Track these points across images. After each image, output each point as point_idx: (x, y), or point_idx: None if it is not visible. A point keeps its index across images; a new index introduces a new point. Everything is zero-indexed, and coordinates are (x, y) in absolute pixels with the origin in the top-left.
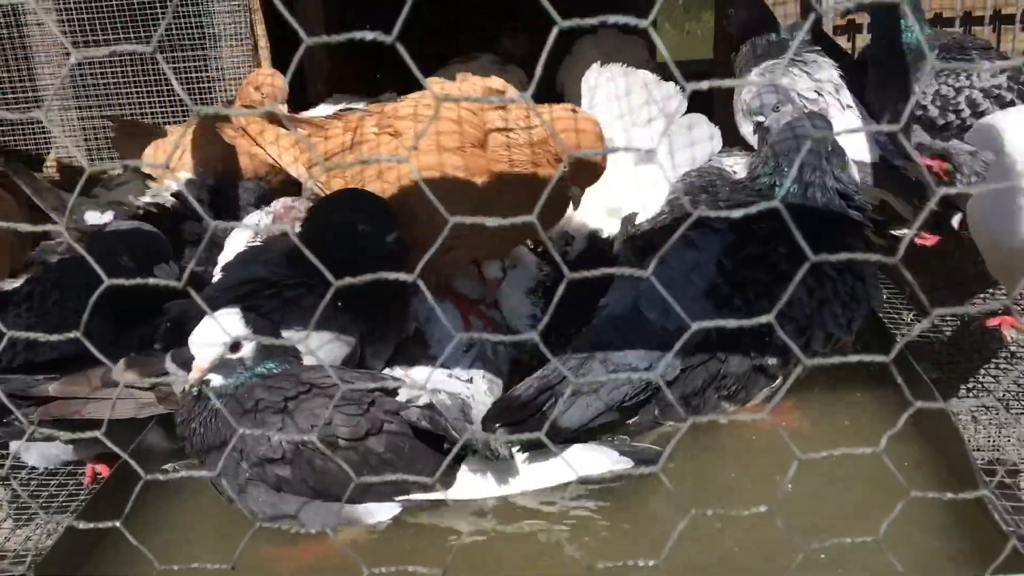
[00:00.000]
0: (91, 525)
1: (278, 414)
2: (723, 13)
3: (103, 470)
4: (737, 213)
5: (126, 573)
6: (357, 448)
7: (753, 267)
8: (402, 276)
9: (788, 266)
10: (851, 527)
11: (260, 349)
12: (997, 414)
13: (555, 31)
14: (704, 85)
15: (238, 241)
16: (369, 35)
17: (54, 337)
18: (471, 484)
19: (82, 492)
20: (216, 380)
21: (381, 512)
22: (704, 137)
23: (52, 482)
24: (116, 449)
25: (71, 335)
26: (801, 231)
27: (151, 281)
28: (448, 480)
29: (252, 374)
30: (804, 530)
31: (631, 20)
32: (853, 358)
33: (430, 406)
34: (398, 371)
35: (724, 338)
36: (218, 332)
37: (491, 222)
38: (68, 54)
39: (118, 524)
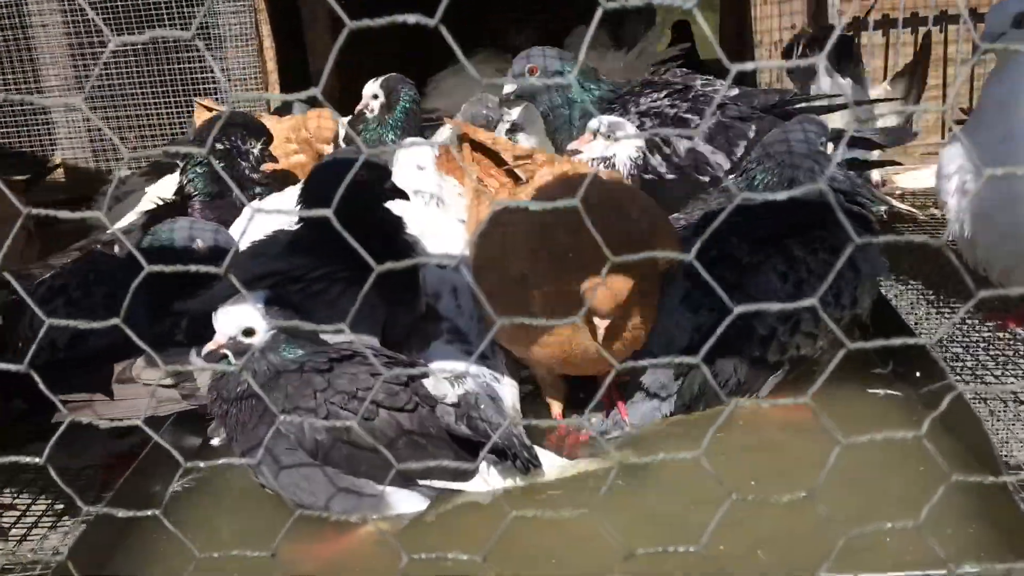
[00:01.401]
0: (130, 513)
1: (322, 375)
2: None
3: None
4: (783, 194)
5: (157, 568)
6: (391, 422)
7: (719, 267)
8: None
9: (752, 259)
10: (886, 515)
11: (277, 337)
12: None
13: (599, 12)
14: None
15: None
16: (411, 18)
17: (95, 324)
18: (495, 475)
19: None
20: (233, 359)
21: (407, 504)
22: None
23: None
24: (152, 433)
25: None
26: (781, 221)
27: (200, 269)
28: (471, 472)
29: (282, 357)
30: (840, 518)
31: (675, 2)
32: (896, 340)
33: (463, 404)
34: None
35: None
36: (236, 318)
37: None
38: (73, 55)
39: (158, 512)
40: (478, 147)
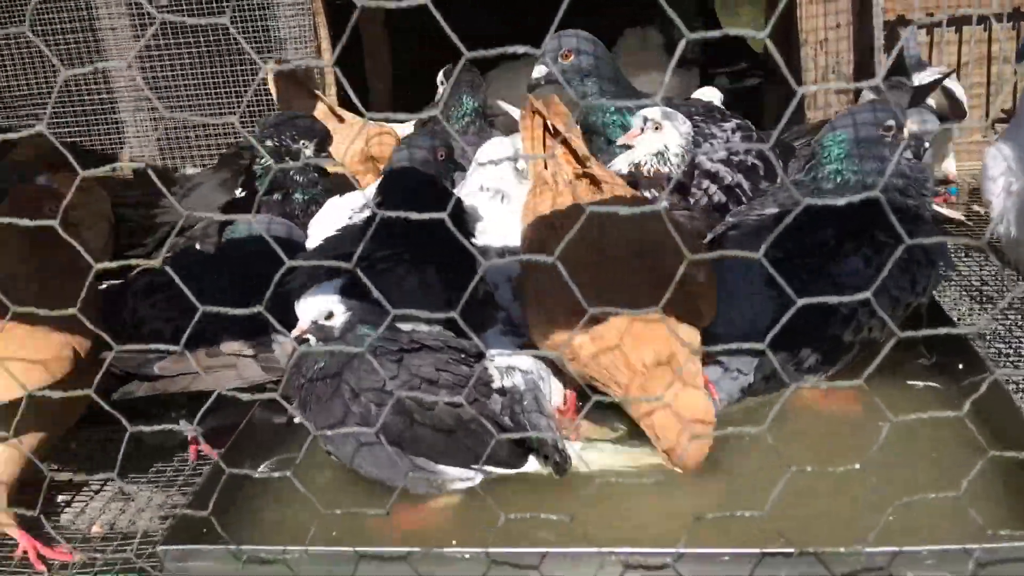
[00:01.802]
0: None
1: (393, 363)
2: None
3: (206, 449)
4: (841, 201)
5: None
6: (452, 412)
7: (804, 253)
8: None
9: (837, 244)
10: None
11: (354, 320)
12: None
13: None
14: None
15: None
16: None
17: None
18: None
19: (187, 469)
20: (315, 342)
21: (462, 481)
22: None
23: (157, 461)
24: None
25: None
26: (862, 212)
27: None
28: (519, 461)
29: (358, 336)
30: (891, 489)
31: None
32: (943, 330)
33: (508, 397)
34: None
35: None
36: (316, 304)
37: None
38: (140, 57)
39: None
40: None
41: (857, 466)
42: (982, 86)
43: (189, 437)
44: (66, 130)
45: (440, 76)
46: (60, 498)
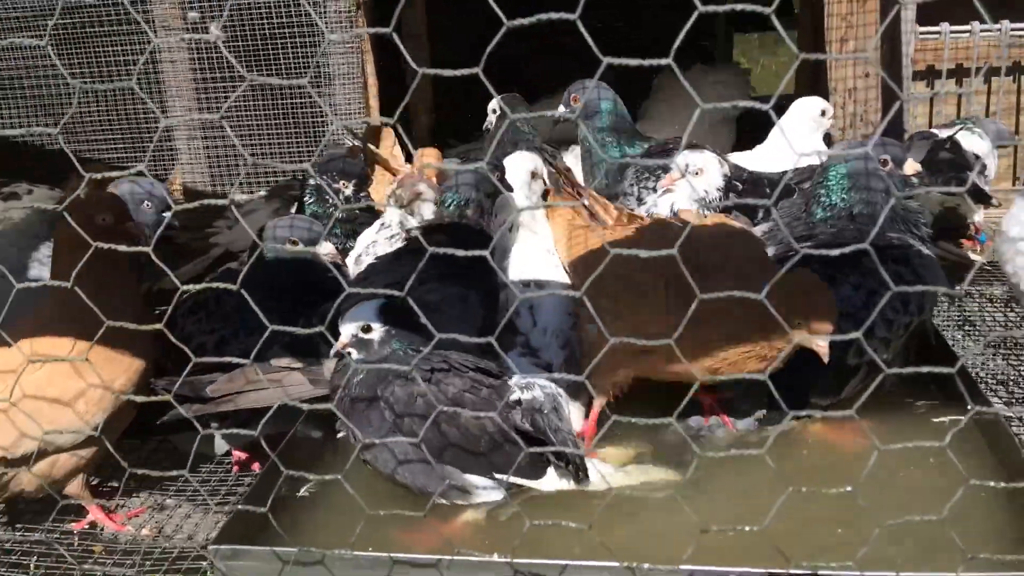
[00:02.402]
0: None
1: (425, 381)
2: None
3: (247, 459)
4: (835, 252)
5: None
6: (479, 425)
7: None
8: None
9: (831, 272)
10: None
11: (389, 335)
12: None
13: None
14: None
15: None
16: (554, 15)
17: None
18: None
19: (230, 479)
20: (355, 354)
21: (487, 494)
22: None
23: (203, 471)
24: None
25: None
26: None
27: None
28: (538, 473)
29: (392, 350)
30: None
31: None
32: (924, 368)
33: (527, 405)
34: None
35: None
36: (356, 318)
37: None
38: (196, 89)
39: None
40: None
41: (849, 488)
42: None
43: (234, 450)
44: (123, 155)
45: (492, 104)
46: (112, 503)
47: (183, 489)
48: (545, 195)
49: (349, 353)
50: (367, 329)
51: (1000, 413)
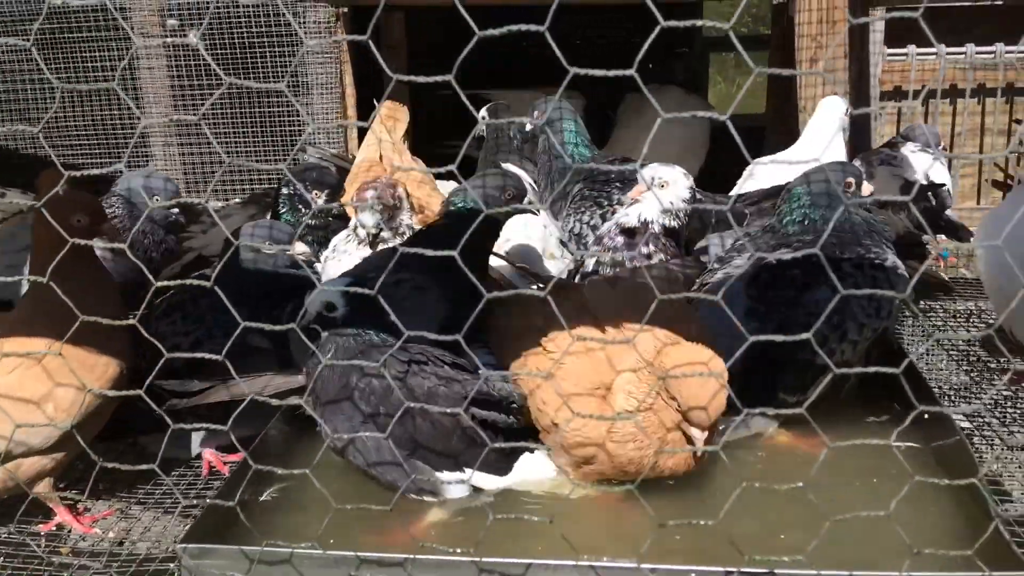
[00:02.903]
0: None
1: (397, 379)
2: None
3: (217, 462)
4: (787, 256)
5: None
6: (451, 419)
7: (776, 287)
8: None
9: (807, 279)
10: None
11: (352, 315)
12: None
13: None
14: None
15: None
16: (523, 27)
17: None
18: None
19: (199, 483)
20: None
21: (455, 490)
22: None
23: (173, 475)
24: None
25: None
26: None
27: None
28: (505, 468)
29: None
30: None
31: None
32: (871, 369)
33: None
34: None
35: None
36: (320, 296)
37: None
38: (174, 96)
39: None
40: None
41: (800, 484)
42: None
43: (204, 452)
44: (98, 159)
45: (483, 112)
46: (80, 506)
47: (151, 492)
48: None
49: (316, 330)
50: (331, 307)
51: (948, 413)
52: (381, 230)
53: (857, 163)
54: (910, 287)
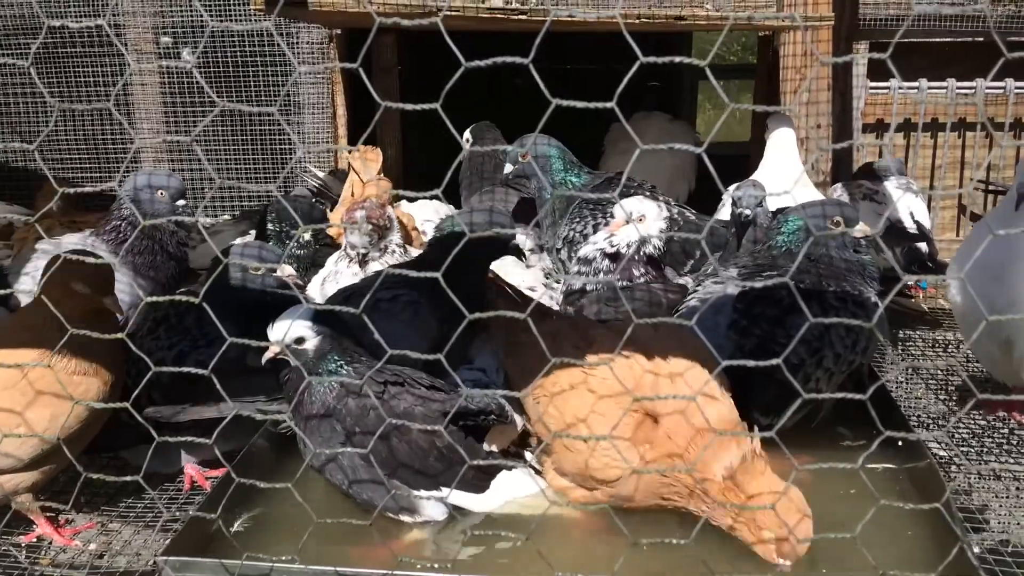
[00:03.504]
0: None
1: (378, 398)
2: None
3: (199, 478)
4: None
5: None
6: (428, 439)
7: (762, 304)
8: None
9: (793, 300)
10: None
11: (325, 345)
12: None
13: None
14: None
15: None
16: (508, 59)
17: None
18: (506, 490)
19: (180, 497)
20: (293, 362)
21: (432, 510)
22: None
23: (153, 491)
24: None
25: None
26: (810, 275)
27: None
28: (484, 486)
29: (333, 365)
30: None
31: (695, 150)
32: (839, 395)
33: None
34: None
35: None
36: (286, 330)
37: None
38: (166, 112)
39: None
40: None
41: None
42: (955, 189)
43: (186, 467)
44: (92, 175)
45: (467, 134)
46: (60, 519)
47: (133, 506)
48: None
49: (285, 361)
50: (300, 340)
51: (919, 439)
52: (369, 251)
53: (838, 192)
54: (876, 316)
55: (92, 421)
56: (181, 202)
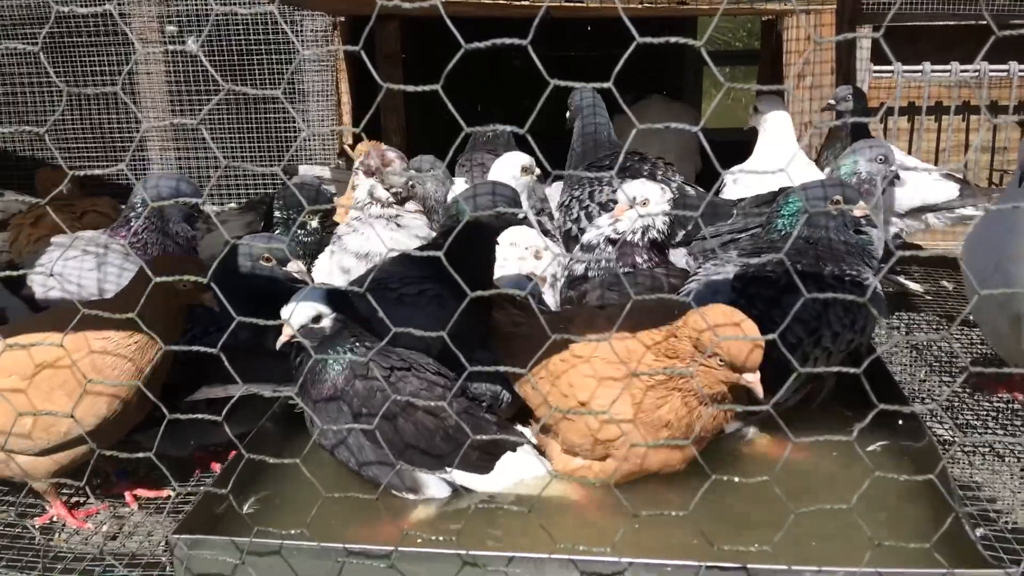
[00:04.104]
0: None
1: (385, 380)
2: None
3: (212, 465)
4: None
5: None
6: (434, 420)
7: (758, 284)
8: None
9: (789, 280)
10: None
11: (339, 323)
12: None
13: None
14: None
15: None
16: (507, 40)
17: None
18: (511, 469)
19: (191, 480)
20: (306, 344)
21: (436, 489)
22: None
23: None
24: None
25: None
26: (807, 256)
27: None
28: (488, 467)
29: (346, 345)
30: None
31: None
32: (834, 368)
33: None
34: None
35: None
36: (304, 310)
37: None
38: (171, 100)
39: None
40: None
41: (765, 478)
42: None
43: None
44: (96, 161)
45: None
46: (73, 500)
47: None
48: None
49: (299, 343)
50: (317, 319)
51: (916, 412)
52: (405, 191)
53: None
54: (869, 293)
55: (132, 409)
56: (195, 200)
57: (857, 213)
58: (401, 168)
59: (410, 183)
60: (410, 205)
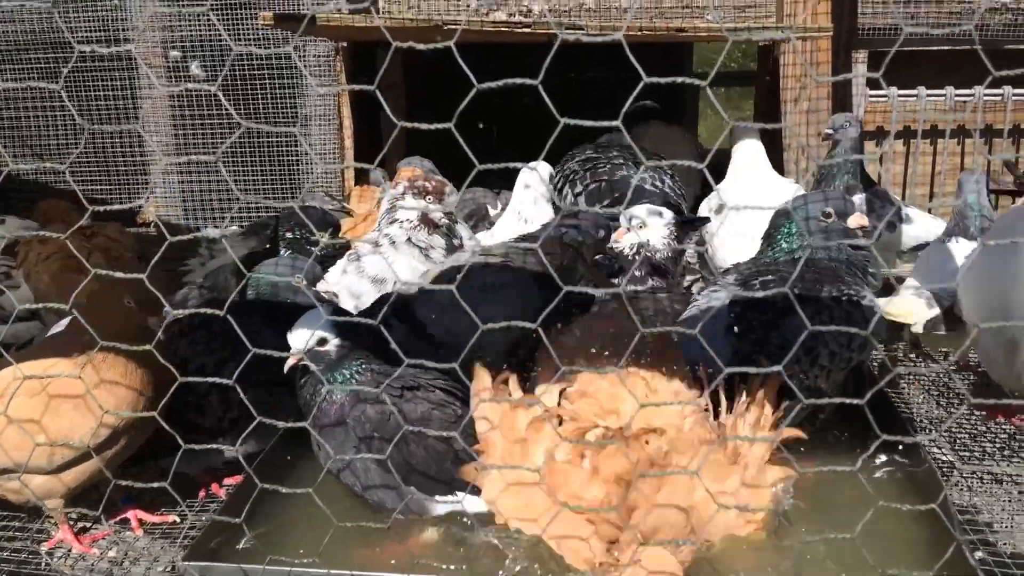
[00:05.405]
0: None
1: (395, 399)
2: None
3: (215, 488)
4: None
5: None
6: (443, 445)
7: (756, 309)
8: None
9: (786, 303)
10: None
11: (345, 348)
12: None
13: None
14: None
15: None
16: (518, 80)
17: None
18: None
19: (196, 504)
20: (313, 367)
21: (440, 508)
22: None
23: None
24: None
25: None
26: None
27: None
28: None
29: (351, 370)
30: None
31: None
32: (837, 400)
33: None
34: None
35: (745, 361)
36: (308, 333)
37: None
38: (175, 124)
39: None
40: None
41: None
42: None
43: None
44: (99, 187)
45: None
46: (79, 525)
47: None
48: None
49: (306, 367)
50: (322, 342)
51: (918, 441)
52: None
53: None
54: (873, 322)
55: (127, 432)
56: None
57: (853, 224)
58: (452, 201)
59: (454, 218)
60: (437, 239)
